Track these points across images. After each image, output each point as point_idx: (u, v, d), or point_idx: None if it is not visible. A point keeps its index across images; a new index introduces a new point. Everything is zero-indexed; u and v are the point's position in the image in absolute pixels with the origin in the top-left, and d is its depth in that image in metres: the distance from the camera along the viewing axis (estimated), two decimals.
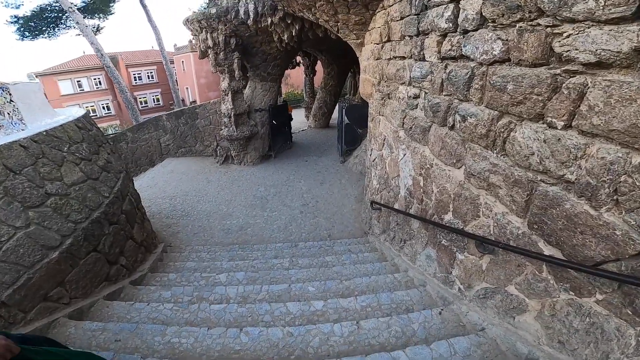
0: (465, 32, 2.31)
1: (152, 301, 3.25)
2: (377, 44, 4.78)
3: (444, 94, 2.70)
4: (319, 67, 15.10)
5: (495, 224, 2.16)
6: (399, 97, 3.94)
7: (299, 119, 17.43)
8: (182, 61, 33.58)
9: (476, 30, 2.18)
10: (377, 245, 5.21)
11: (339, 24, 5.66)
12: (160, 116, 11.76)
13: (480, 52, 2.14)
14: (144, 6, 18.26)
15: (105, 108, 32.37)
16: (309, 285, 3.41)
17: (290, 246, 5.61)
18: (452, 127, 2.60)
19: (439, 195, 2.94)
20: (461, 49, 2.36)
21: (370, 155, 5.99)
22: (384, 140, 5.01)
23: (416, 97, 3.34)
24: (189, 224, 7.00)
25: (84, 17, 19.99)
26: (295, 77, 27.43)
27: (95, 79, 32.30)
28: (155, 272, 4.37)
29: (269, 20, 7.73)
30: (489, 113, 2.12)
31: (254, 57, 9.86)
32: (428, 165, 3.13)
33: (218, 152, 10.59)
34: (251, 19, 7.79)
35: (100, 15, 20.25)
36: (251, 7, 7.63)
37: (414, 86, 3.36)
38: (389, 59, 4.23)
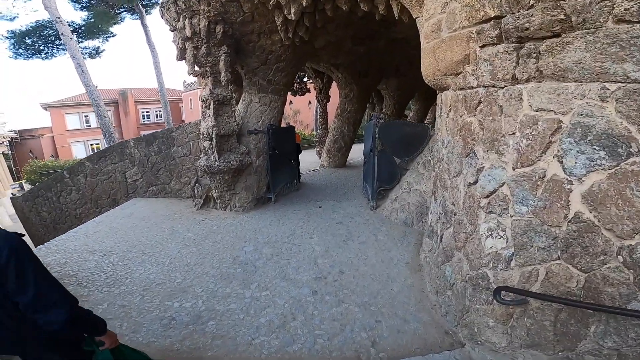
0: None
1: None
2: None
3: None
4: (334, 92, 12.45)
5: None
6: None
7: (310, 159, 14.54)
8: (190, 99, 32.14)
9: None
10: None
11: None
12: (127, 141, 8.90)
13: None
14: (144, 26, 16.52)
15: None
16: None
17: None
18: None
19: None
20: None
21: (476, 180, 2.77)
22: (548, 139, 1.74)
23: None
24: (107, 301, 3.84)
25: (81, 39, 18.46)
26: (305, 114, 25.19)
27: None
28: None
29: None
30: None
31: (250, 57, 7.12)
32: None
33: (196, 191, 7.48)
34: None
35: (99, 36, 18.68)
36: None
37: None
38: None
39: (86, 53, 19.95)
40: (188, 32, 6.25)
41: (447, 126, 3.53)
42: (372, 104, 15.08)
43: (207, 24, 6.16)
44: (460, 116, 3.16)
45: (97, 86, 34.20)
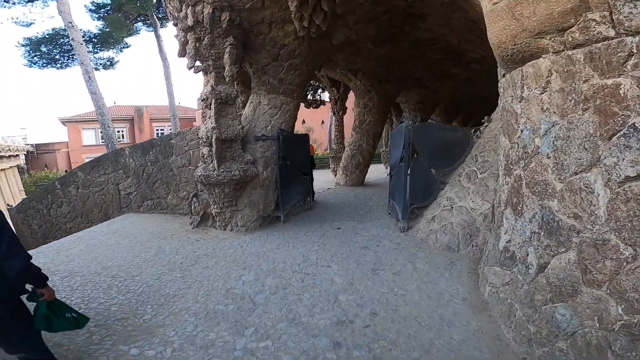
0: None
1: None
2: None
3: None
4: (350, 104, 11.51)
5: None
6: None
7: (323, 178, 13.47)
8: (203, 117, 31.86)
9: None
10: None
11: None
12: (122, 149, 8.00)
13: None
14: (158, 36, 16.21)
15: None
16: None
17: None
18: None
19: None
20: None
21: None
22: None
23: None
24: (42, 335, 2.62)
25: (96, 49, 18.35)
26: (318, 133, 24.39)
27: (119, 131, 30.73)
28: None
29: None
30: None
31: (260, 52, 6.23)
32: None
33: (193, 207, 6.41)
34: None
35: (114, 46, 18.53)
36: None
37: None
38: None
39: (100, 64, 19.87)
40: (190, 21, 5.42)
41: (546, 104, 2.39)
42: (390, 118, 14.10)
43: (211, 11, 5.31)
44: (584, 81, 2.03)
45: (114, 102, 34.66)
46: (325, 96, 15.60)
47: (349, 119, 11.87)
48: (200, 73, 6.03)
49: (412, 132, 5.16)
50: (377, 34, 7.98)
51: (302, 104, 14.70)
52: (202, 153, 5.87)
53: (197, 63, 5.89)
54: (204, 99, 5.88)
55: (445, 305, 3.26)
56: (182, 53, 5.95)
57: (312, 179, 8.21)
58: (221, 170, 5.48)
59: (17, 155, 24.53)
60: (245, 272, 4.11)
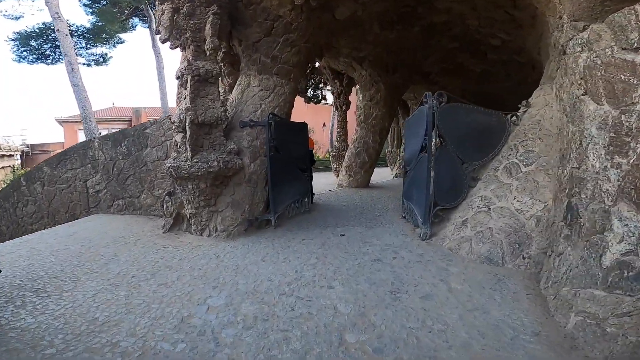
0: None
1: None
2: None
3: None
4: (354, 99, 10.46)
5: None
6: None
7: (325, 180, 12.36)
8: None
9: None
10: None
11: None
12: (91, 141, 6.92)
13: None
14: (152, 30, 15.29)
15: None
16: None
17: None
18: None
19: None
20: None
21: None
22: None
23: None
24: None
25: (89, 45, 17.56)
26: (319, 135, 23.34)
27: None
28: None
29: None
30: None
31: (250, 26, 5.22)
32: None
33: (165, 207, 5.30)
34: None
35: (107, 41, 17.69)
36: None
37: None
38: None
39: (93, 60, 19.04)
40: None
41: None
42: (396, 117, 13.07)
43: None
44: None
45: (113, 103, 33.85)
46: (328, 98, 14.63)
47: (353, 120, 10.81)
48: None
49: (437, 114, 4.07)
50: (386, 13, 6.98)
51: (302, 100, 13.63)
52: (175, 141, 4.78)
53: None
54: (178, 77, 4.83)
55: (511, 345, 2.14)
56: (160, 34, 4.91)
57: (311, 177, 7.10)
58: (195, 160, 4.38)
59: (12, 155, 23.66)
60: (214, 293, 2.98)
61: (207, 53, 4.76)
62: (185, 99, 4.63)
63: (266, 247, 4.39)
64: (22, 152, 26.93)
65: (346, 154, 10.08)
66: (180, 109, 4.61)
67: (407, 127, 5.59)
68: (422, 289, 2.96)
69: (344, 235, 4.89)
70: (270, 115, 5.17)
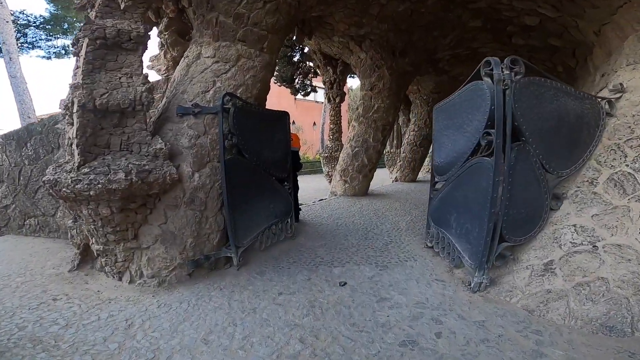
0: None
1: None
2: None
3: None
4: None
5: None
6: None
7: (315, 185, 10.56)
8: None
9: None
10: None
11: None
12: None
13: None
14: None
15: None
16: None
17: None
18: None
19: None
20: None
21: None
22: None
23: None
24: None
25: (50, 37, 15.85)
26: (308, 134, 21.49)
27: None
28: None
29: None
30: None
31: None
32: None
33: (69, 235, 3.46)
34: None
35: (68, 31, 15.86)
36: None
37: None
38: None
39: (53, 52, 17.19)
40: None
41: None
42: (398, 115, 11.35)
43: None
44: None
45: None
46: (319, 97, 12.83)
47: (347, 115, 9.07)
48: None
49: (513, 94, 2.31)
50: None
51: (289, 91, 11.69)
52: (68, 138, 2.95)
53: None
54: (73, 44, 3.02)
55: None
56: None
57: (295, 188, 5.30)
58: (85, 170, 2.55)
59: None
60: None
61: (122, 5, 2.95)
62: (76, 76, 2.81)
63: (218, 308, 2.60)
64: None
65: (340, 155, 8.29)
66: (68, 93, 2.79)
67: (438, 117, 3.79)
68: None
69: (345, 284, 3.11)
70: (227, 97, 3.35)
